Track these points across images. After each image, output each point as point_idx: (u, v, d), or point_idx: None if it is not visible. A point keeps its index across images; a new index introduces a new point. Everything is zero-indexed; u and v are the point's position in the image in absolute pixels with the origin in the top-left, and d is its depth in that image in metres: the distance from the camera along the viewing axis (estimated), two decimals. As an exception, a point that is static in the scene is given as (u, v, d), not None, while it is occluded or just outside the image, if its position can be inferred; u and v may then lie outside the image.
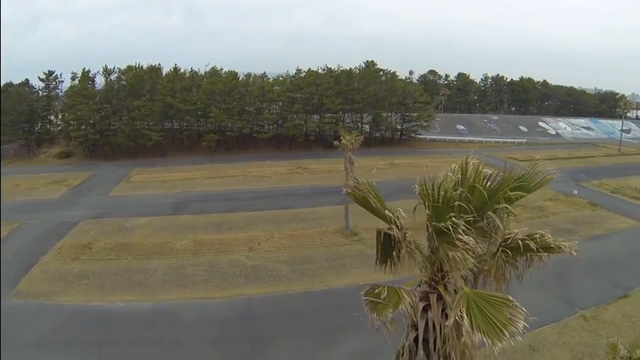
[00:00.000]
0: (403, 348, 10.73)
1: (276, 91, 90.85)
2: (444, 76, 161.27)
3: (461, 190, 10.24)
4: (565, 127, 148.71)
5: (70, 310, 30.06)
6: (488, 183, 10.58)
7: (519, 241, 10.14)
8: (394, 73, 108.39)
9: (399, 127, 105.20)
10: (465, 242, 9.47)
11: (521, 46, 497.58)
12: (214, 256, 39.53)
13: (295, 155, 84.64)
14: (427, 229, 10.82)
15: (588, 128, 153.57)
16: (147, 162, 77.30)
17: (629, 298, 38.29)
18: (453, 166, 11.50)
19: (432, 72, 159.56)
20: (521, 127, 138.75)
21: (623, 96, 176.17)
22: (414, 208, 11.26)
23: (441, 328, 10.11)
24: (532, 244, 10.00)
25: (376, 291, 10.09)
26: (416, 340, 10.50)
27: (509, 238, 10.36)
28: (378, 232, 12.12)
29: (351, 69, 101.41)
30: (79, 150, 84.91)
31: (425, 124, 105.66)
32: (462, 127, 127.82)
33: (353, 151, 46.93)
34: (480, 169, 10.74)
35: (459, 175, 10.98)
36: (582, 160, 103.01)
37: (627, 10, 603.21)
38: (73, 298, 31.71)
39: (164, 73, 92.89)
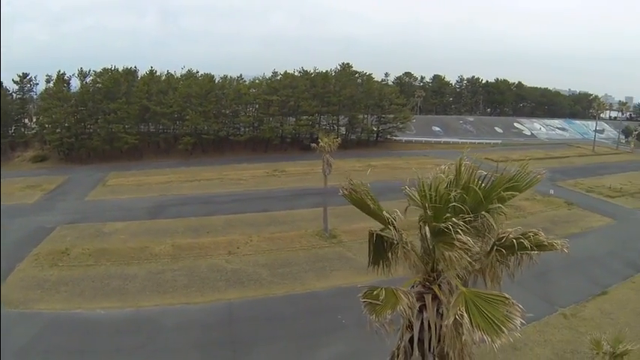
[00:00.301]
0: (398, 349, 10.82)
1: (252, 94, 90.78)
2: (419, 78, 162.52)
3: (458, 190, 10.33)
4: (540, 127, 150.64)
5: (49, 318, 29.56)
6: (482, 184, 10.67)
7: (514, 240, 10.24)
8: (370, 75, 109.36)
9: (375, 129, 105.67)
10: (464, 242, 9.57)
11: (496, 48, 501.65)
12: (194, 261, 39.32)
13: (272, 158, 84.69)
14: (420, 229, 10.92)
15: (563, 129, 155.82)
16: (123, 165, 76.46)
17: (607, 295, 39.18)
18: (442, 167, 11.49)
19: (408, 74, 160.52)
20: (496, 128, 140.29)
21: (596, 97, 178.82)
22: (405, 209, 11.41)
23: (436, 327, 10.26)
24: (526, 243, 10.17)
25: (374, 292, 10.08)
26: (411, 340, 10.58)
27: (504, 237, 10.48)
28: (371, 234, 12.06)
29: (327, 71, 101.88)
30: (54, 154, 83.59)
31: (401, 125, 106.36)
32: (437, 129, 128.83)
33: (331, 153, 46.97)
34: (474, 171, 10.77)
35: (452, 176, 10.95)
36: (557, 161, 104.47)
37: (600, 14, 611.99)
38: (52, 306, 31.18)
39: (140, 76, 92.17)
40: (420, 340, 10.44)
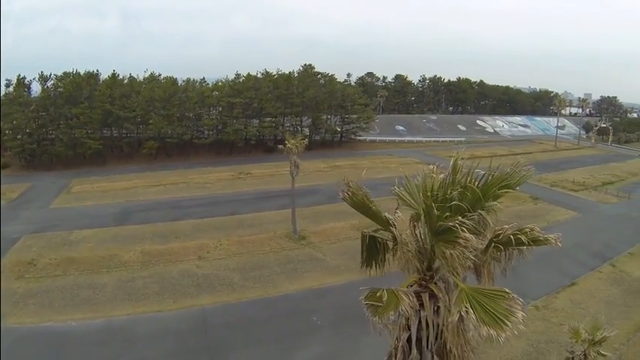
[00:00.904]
0: (396, 349, 10.86)
1: (215, 97, 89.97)
2: (381, 78, 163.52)
3: (459, 189, 10.49)
4: (502, 125, 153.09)
5: (19, 333, 28.77)
6: (478, 182, 10.84)
7: (511, 236, 10.48)
8: (332, 76, 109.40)
9: (339, 130, 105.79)
10: (468, 240, 9.67)
11: (458, 47, 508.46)
12: (164, 267, 38.95)
13: (236, 160, 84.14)
14: (414, 228, 11.39)
15: (525, 126, 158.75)
16: (87, 171, 74.95)
17: (577, 285, 40.85)
18: (430, 166, 11.80)
19: (370, 74, 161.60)
20: (459, 126, 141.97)
21: (556, 94, 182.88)
22: (396, 209, 11.84)
23: (434, 325, 10.45)
24: (524, 238, 10.40)
25: (378, 294, 10.13)
26: (408, 339, 10.64)
27: (500, 233, 10.70)
28: (364, 236, 12.43)
29: (290, 73, 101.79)
30: (15, 161, 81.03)
31: (364, 125, 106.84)
32: (401, 128, 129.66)
33: (298, 155, 47.01)
34: (472, 170, 10.95)
35: (441, 175, 11.17)
36: (521, 157, 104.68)
37: (558, 13, 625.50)
38: (22, 320, 30.36)
39: (102, 80, 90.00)
40: (418, 339, 10.54)
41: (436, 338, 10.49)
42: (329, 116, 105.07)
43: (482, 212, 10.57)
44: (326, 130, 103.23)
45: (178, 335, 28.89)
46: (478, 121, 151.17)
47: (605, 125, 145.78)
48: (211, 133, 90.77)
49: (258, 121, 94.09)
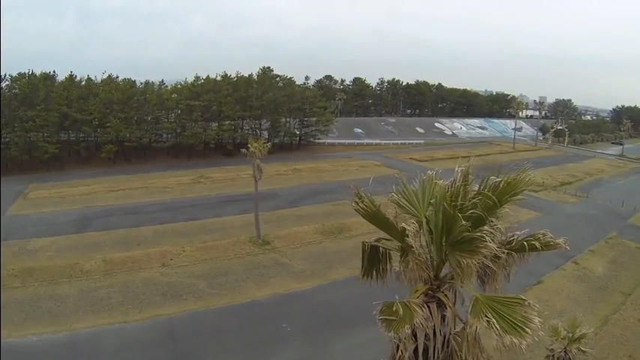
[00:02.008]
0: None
1: (174, 99, 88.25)
2: (339, 81, 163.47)
3: (479, 197, 10.57)
4: (461, 127, 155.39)
5: (-23, 350, 27.42)
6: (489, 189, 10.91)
7: (524, 242, 10.56)
8: (291, 78, 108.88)
9: (298, 133, 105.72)
10: (491, 249, 9.74)
11: (417, 51, 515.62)
12: (127, 276, 37.88)
13: (195, 164, 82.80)
14: (419, 238, 10.90)
15: (482, 128, 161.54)
16: (44, 176, 72.10)
17: (543, 284, 41.96)
18: (429, 172, 12.15)
19: (328, 77, 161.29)
20: (418, 128, 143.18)
21: (513, 97, 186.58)
22: (395, 216, 11.71)
23: (441, 335, 10.39)
24: (537, 244, 10.40)
25: (393, 308, 9.97)
26: (414, 350, 10.36)
27: (513, 240, 10.74)
28: (364, 245, 12.16)
29: (249, 75, 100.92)
30: (-34, 166, 78.05)
31: (324, 128, 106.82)
32: (359, 131, 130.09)
33: (260, 159, 46.49)
34: (487, 178, 11.17)
35: (443, 182, 11.38)
36: (481, 158, 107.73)
37: (511, 20, 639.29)
38: (-21, 336, 28.91)
39: (59, 81, 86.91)
40: (425, 349, 10.33)
41: (442, 347, 10.40)
42: (288, 119, 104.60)
43: (493, 220, 10.54)
44: (285, 133, 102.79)
45: (145, 347, 28.07)
46: (436, 124, 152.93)
47: (561, 127, 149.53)
48: (170, 136, 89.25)
49: (217, 124, 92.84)
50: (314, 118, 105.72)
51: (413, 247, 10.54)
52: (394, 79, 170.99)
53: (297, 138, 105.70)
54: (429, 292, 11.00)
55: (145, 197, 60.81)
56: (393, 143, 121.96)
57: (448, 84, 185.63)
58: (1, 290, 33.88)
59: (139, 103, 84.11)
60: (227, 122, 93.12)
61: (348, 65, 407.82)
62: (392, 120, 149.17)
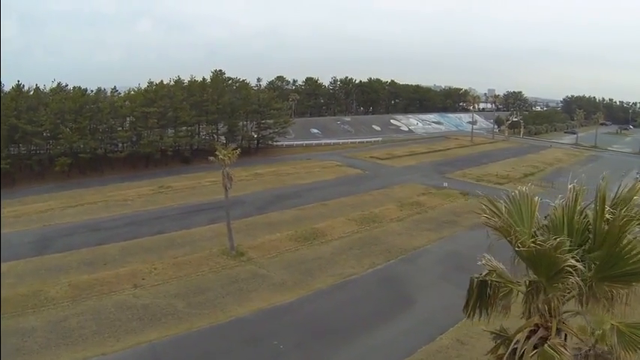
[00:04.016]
0: None
1: (128, 107, 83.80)
2: (292, 82, 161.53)
3: (624, 218, 9.76)
4: (416, 123, 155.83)
5: None
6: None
7: None
8: (244, 81, 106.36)
9: (256, 136, 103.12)
10: None
11: (368, 48, 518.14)
12: (97, 301, 34.65)
13: (154, 174, 79.09)
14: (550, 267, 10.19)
15: (438, 122, 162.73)
16: (-6, 194, 66.99)
17: None
18: (522, 188, 12.10)
19: (280, 78, 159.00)
20: (374, 126, 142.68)
21: (466, 91, 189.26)
22: (489, 248, 11.79)
23: None
24: None
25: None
26: None
27: None
28: (472, 280, 11.87)
29: (203, 79, 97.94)
30: None
31: (282, 130, 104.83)
32: (316, 131, 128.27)
33: (229, 166, 44.47)
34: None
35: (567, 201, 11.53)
36: (440, 153, 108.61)
37: (455, 15, 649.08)
38: None
39: (5, 92, 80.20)
40: None
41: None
42: (245, 122, 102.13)
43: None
44: (243, 136, 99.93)
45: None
46: (392, 120, 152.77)
47: (516, 119, 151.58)
48: (126, 145, 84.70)
49: (173, 130, 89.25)
50: (271, 120, 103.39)
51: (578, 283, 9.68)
52: (347, 77, 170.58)
53: (255, 141, 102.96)
54: (543, 324, 10.61)
55: (106, 212, 57.00)
56: (351, 142, 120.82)
57: (401, 80, 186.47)
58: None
59: (91, 111, 79.18)
60: (184, 128, 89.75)
61: (299, 66, 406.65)
62: (347, 119, 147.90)
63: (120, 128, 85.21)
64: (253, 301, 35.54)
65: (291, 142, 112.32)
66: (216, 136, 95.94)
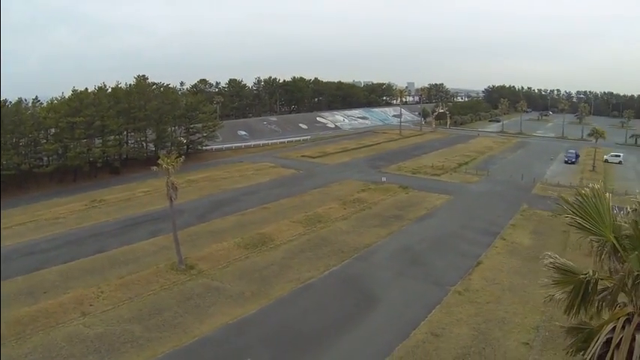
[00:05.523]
0: None
1: (52, 118, 77.15)
2: (215, 84, 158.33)
3: None
4: (343, 119, 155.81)
5: None
6: None
7: None
8: (168, 85, 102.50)
9: (185, 141, 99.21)
10: None
11: (290, 49, 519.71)
12: (45, 336, 30.53)
13: (84, 187, 73.73)
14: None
15: (364, 118, 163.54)
16: None
17: (482, 264, 42.83)
18: (595, 185, 11.99)
19: (203, 81, 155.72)
20: (300, 124, 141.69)
21: (389, 85, 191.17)
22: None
23: None
24: None
25: None
26: None
27: None
28: (580, 282, 11.64)
29: (130, 85, 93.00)
30: None
31: (211, 134, 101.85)
32: (243, 133, 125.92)
33: (170, 174, 41.46)
34: None
35: None
36: (372, 148, 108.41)
37: (372, 13, 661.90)
38: None
39: None
40: None
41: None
42: (174, 128, 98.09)
43: None
44: (172, 142, 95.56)
45: None
46: (318, 118, 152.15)
47: (442, 110, 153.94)
48: (52, 159, 78.39)
49: (101, 140, 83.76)
50: (200, 125, 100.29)
51: None
52: (271, 77, 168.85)
53: (185, 147, 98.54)
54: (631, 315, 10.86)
55: (37, 233, 51.62)
56: (279, 142, 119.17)
57: (324, 78, 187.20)
58: None
59: (13, 124, 72.50)
60: (112, 137, 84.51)
61: (221, 68, 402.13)
62: (274, 118, 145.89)
63: (44, 141, 78.93)
64: (214, 317, 32.91)
65: (220, 146, 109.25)
66: (144, 144, 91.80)
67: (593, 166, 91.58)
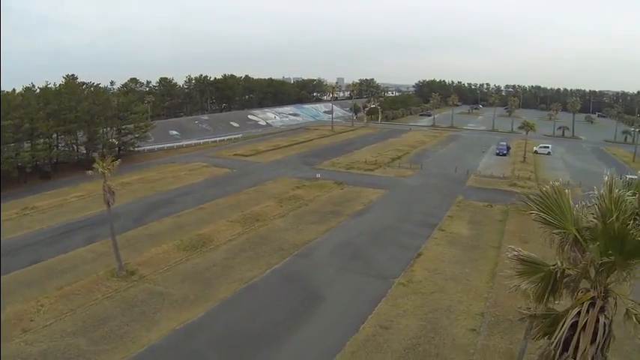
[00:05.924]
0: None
1: (-23, 122, 73.98)
2: (145, 83, 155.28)
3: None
4: (274, 116, 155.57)
5: None
6: None
7: None
8: (98, 85, 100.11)
9: (117, 143, 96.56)
10: None
11: (221, 47, 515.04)
12: (-15, 358, 29.67)
13: (13, 194, 70.06)
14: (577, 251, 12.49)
15: (295, 115, 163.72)
16: None
17: (423, 255, 44.13)
18: (555, 182, 13.01)
19: (134, 80, 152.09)
20: (232, 123, 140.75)
21: (320, 81, 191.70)
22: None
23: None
24: None
25: None
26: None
27: None
28: (548, 273, 12.65)
29: (59, 85, 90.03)
30: None
31: (143, 135, 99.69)
32: (175, 133, 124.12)
33: (107, 178, 40.92)
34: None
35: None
36: (304, 145, 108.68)
37: (301, 11, 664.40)
38: None
39: None
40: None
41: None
42: (106, 129, 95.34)
43: None
44: (103, 145, 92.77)
45: None
46: (249, 116, 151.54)
47: (374, 105, 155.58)
48: (-22, 166, 74.97)
49: (30, 144, 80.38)
50: (132, 125, 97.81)
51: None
52: (201, 75, 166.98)
53: (117, 149, 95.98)
54: (593, 300, 11.81)
55: (-34, 246, 49.24)
56: (211, 141, 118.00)
57: (255, 75, 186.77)
58: None
59: None
60: (41, 141, 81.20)
61: (151, 66, 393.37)
62: (205, 117, 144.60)
63: (-31, 148, 75.34)
64: (161, 324, 32.56)
65: (152, 147, 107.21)
66: (76, 147, 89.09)
67: (524, 158, 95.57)
